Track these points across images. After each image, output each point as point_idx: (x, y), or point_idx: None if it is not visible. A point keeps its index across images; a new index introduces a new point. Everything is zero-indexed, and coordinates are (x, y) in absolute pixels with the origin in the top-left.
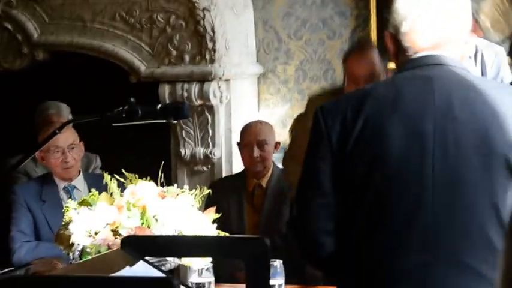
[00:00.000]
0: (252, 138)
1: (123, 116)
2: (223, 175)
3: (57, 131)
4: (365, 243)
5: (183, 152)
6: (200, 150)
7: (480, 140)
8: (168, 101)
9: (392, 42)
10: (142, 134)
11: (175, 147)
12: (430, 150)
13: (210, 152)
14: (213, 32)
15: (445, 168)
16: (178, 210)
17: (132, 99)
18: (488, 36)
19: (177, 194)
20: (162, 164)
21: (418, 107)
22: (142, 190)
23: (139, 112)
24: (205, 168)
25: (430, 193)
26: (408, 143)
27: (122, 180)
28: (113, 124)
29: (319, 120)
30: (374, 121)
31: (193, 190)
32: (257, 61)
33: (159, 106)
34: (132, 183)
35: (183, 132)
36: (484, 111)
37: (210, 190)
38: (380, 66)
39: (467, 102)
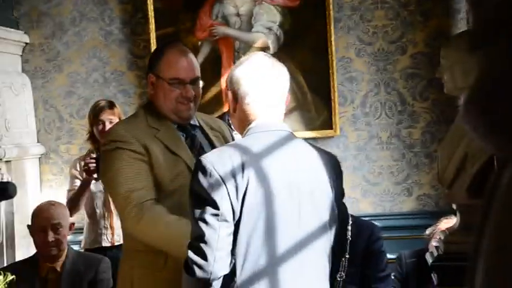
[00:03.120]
0: (45, 221)
1: None
2: (5, 262)
3: None
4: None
5: None
6: None
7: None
8: None
9: (234, 103)
10: None
11: None
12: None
13: None
14: None
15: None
16: None
17: None
18: None
19: None
20: None
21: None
22: None
23: None
24: None
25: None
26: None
27: None
28: None
29: (212, 169)
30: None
31: None
32: (38, 141)
33: None
34: None
35: None
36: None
37: None
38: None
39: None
